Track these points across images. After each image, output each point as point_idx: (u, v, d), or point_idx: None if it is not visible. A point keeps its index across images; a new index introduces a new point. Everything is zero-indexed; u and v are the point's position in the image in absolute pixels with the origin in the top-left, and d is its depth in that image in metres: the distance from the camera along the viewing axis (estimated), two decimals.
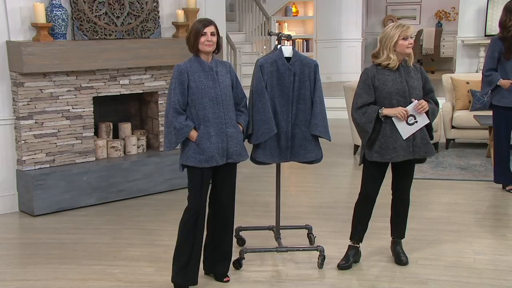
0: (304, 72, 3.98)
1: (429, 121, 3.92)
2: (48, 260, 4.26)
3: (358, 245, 4.13)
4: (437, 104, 3.99)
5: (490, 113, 6.97)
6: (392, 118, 3.87)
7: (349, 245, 4.13)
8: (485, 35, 9.53)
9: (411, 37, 3.84)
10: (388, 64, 3.85)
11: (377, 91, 3.88)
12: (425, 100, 3.89)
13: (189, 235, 3.71)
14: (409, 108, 3.85)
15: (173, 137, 3.65)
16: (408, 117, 3.85)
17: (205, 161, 3.67)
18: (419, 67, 3.99)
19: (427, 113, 3.88)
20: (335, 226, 4.83)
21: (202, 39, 3.63)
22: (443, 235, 4.65)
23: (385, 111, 3.85)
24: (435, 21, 14.33)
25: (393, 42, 3.81)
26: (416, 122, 3.87)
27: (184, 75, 3.64)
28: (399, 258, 4.13)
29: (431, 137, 4.03)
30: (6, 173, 5.29)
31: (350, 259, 4.09)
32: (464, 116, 7.28)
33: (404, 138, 3.87)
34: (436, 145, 7.27)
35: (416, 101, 3.84)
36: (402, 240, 4.20)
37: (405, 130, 3.88)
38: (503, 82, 5.43)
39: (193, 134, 3.66)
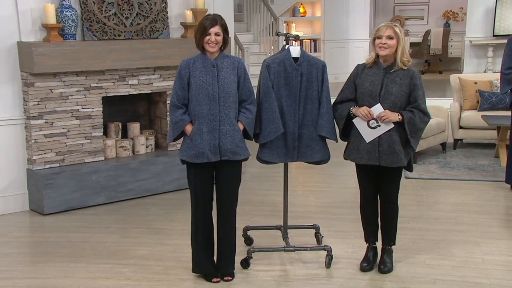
0: (311, 72, 3.99)
1: (393, 126, 3.75)
2: (58, 258, 4.30)
3: (375, 245, 4.10)
4: (425, 113, 3.75)
5: (498, 113, 6.96)
6: (353, 120, 3.84)
7: (367, 247, 4.11)
8: (493, 35, 9.51)
9: (389, 37, 3.69)
10: (369, 61, 3.85)
11: (357, 90, 3.88)
12: (408, 110, 3.73)
13: (195, 226, 3.87)
14: (374, 109, 3.76)
15: (170, 130, 3.79)
16: (370, 120, 3.76)
17: (195, 157, 3.72)
18: (413, 72, 3.76)
19: (402, 122, 3.72)
20: (342, 225, 4.83)
21: (206, 38, 3.67)
22: (451, 235, 4.65)
23: (354, 109, 3.84)
24: (443, 21, 14.31)
25: (372, 39, 3.81)
26: (379, 126, 3.77)
27: (185, 70, 3.72)
28: (379, 266, 4.01)
29: (412, 148, 3.80)
30: (16, 172, 5.34)
31: (371, 260, 4.05)
32: (472, 116, 7.27)
33: (367, 141, 3.80)
34: (444, 145, 7.28)
35: (379, 104, 3.75)
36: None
37: (367, 133, 3.80)
38: None
39: (188, 128, 3.74)
